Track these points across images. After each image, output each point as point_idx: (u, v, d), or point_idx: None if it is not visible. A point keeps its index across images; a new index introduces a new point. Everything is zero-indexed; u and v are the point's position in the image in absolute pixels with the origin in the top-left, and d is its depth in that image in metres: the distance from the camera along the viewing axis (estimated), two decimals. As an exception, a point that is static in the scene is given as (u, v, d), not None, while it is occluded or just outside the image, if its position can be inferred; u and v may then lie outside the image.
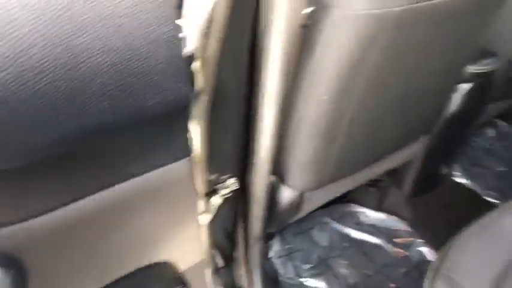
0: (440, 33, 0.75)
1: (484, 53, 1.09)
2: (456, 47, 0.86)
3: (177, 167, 0.49)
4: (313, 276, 1.19)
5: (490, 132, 1.82)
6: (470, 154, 1.66)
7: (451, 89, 1.07)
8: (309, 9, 0.58)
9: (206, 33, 0.54)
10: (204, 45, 0.54)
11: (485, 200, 1.45)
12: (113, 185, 0.48)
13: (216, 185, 0.71)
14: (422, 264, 1.21)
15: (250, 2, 0.53)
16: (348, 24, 0.60)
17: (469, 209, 0.86)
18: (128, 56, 0.32)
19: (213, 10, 0.52)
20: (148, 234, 0.58)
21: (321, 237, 1.30)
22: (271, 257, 1.23)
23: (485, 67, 1.07)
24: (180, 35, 0.51)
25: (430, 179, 1.39)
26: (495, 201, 1.42)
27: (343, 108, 0.75)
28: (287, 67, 0.60)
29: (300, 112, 0.74)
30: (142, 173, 0.47)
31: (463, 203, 1.22)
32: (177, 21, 0.50)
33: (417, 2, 0.62)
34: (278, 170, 0.88)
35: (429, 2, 0.63)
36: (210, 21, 0.53)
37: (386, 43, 0.65)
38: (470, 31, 0.85)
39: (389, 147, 1.06)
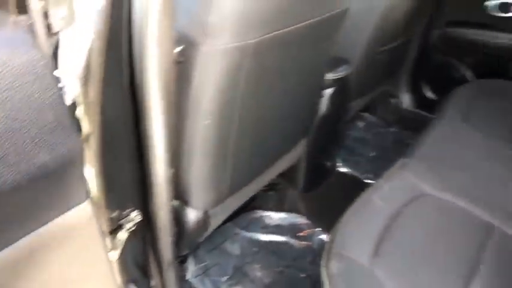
0: (295, 53, 0.89)
1: (338, 61, 1.29)
2: (312, 62, 1.02)
3: (78, 212, 0.50)
4: (231, 286, 1.25)
5: (360, 124, 2.10)
6: (347, 145, 1.90)
7: (316, 96, 1.24)
8: (179, 48, 0.66)
9: (85, 80, 0.57)
10: (84, 91, 0.57)
11: (364, 182, 1.68)
12: (12, 242, 0.48)
13: (119, 220, 0.73)
14: (323, 249, 1.36)
15: (124, 45, 0.58)
16: (216, 57, 0.69)
17: (353, 192, 1.01)
18: (18, 125, 0.34)
19: (89, 56, 0.56)
20: (61, 283, 0.58)
21: (233, 248, 1.37)
22: (188, 279, 1.27)
23: (341, 73, 1.26)
24: (60, 85, 0.54)
25: (317, 174, 1.56)
26: (372, 182, 1.65)
27: (227, 128, 0.84)
28: (167, 99, 0.66)
29: (188, 137, 0.81)
30: (44, 224, 0.48)
31: (348, 188, 1.40)
32: (55, 72, 0.53)
33: (268, 33, 0.73)
34: (179, 194, 0.93)
35: (279, 32, 0.75)
36: (87, 68, 0.57)
37: (251, 68, 0.75)
38: (320, 48, 1.01)
39: (276, 153, 1.18)
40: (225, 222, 1.27)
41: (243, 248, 1.38)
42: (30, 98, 0.33)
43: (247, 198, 1.19)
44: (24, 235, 0.48)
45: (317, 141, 1.39)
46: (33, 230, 0.51)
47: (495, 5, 1.68)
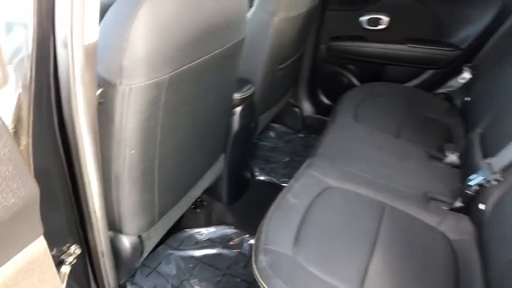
0: (205, 81, 1.01)
1: (243, 83, 1.44)
2: (220, 86, 1.15)
3: (36, 245, 0.54)
4: (173, 304, 1.31)
5: (271, 134, 2.29)
6: (261, 155, 2.07)
7: (228, 115, 1.37)
8: (100, 90, 0.74)
9: (15, 132, 0.63)
10: (17, 141, 0.62)
11: (282, 185, 1.84)
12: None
13: (60, 256, 0.77)
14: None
15: (53, 94, 0.64)
16: (133, 94, 0.78)
17: (273, 196, 1.14)
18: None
19: (17, 108, 0.62)
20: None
21: (169, 269, 1.43)
22: (130, 306, 1.30)
23: (246, 92, 1.41)
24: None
25: (238, 185, 1.69)
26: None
27: (151, 155, 0.92)
28: (95, 136, 0.73)
29: (116, 168, 0.88)
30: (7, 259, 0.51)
31: (268, 194, 1.55)
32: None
33: (180, 67, 0.84)
34: (113, 223, 0.99)
35: (189, 65, 0.87)
36: (16, 120, 0.62)
37: (167, 99, 0.85)
38: (226, 73, 1.14)
39: (198, 171, 1.28)
40: (157, 245, 1.33)
41: (178, 266, 1.44)
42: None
43: (177, 218, 1.26)
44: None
45: (234, 155, 1.52)
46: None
47: (366, 20, 2.00)
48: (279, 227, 1.01)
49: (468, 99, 1.71)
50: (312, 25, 1.96)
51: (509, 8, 1.73)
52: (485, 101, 1.50)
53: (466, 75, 1.85)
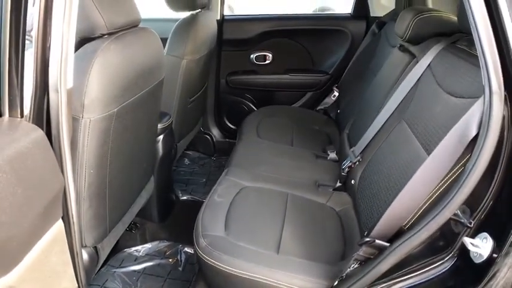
0: (141, 113, 1.28)
1: (162, 114, 1.72)
2: (151, 116, 1.42)
3: None
4: (124, 311, 1.49)
5: (187, 160, 2.56)
6: (182, 179, 2.33)
7: (154, 141, 1.63)
8: (68, 123, 0.97)
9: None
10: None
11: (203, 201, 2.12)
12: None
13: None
14: (188, 258, 1.73)
15: (43, 125, 0.87)
16: (92, 124, 1.03)
17: (198, 210, 1.41)
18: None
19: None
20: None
21: (116, 284, 1.60)
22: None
23: (165, 123, 1.70)
24: None
25: (166, 205, 1.93)
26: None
27: (104, 174, 1.16)
28: (71, 161, 0.96)
29: (79, 186, 1.10)
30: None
31: (193, 210, 1.80)
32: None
33: (125, 102, 1.12)
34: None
35: (131, 99, 1.15)
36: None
37: (116, 128, 1.11)
38: (154, 106, 1.43)
39: (137, 190, 1.52)
40: (101, 266, 1.50)
41: (123, 281, 1.62)
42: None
43: (123, 231, 1.47)
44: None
45: (160, 177, 1.77)
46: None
47: (255, 57, 2.44)
48: (211, 218, 1.30)
49: (339, 111, 2.22)
50: (212, 64, 2.33)
51: (357, 41, 2.32)
52: (349, 111, 2.00)
53: (336, 93, 2.38)
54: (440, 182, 0.91)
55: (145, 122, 1.38)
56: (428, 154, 0.99)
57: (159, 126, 1.67)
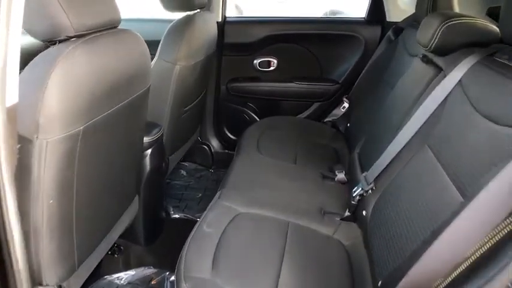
0: (118, 128, 1.10)
1: (151, 126, 1.53)
2: (132, 131, 1.24)
3: None
4: None
5: (183, 172, 2.37)
6: (175, 194, 2.14)
7: (140, 157, 1.45)
8: (18, 146, 0.79)
9: None
10: None
11: (197, 220, 1.93)
12: None
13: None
14: None
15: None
16: (50, 146, 0.84)
17: (190, 231, 1.24)
18: None
19: None
20: None
21: (91, 318, 1.41)
22: None
23: (155, 136, 1.51)
24: None
25: (154, 225, 1.74)
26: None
27: (68, 204, 0.97)
28: (14, 191, 0.77)
29: (35, 220, 0.91)
30: None
31: (184, 230, 1.62)
32: None
33: (94, 118, 0.93)
34: (32, 275, 0.99)
35: (101, 117, 0.96)
36: None
37: (83, 148, 0.93)
38: (136, 119, 1.24)
39: (115, 215, 1.33)
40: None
41: (101, 314, 1.43)
42: None
43: (97, 263, 1.28)
44: None
45: (148, 196, 1.58)
46: None
47: (259, 63, 2.25)
48: (197, 255, 1.11)
49: (349, 125, 2.02)
50: (211, 69, 2.15)
51: (370, 48, 2.11)
52: (360, 127, 1.80)
53: (346, 105, 2.18)
54: (488, 236, 0.71)
55: (125, 138, 1.20)
56: (464, 197, 0.79)
57: (147, 139, 1.48)
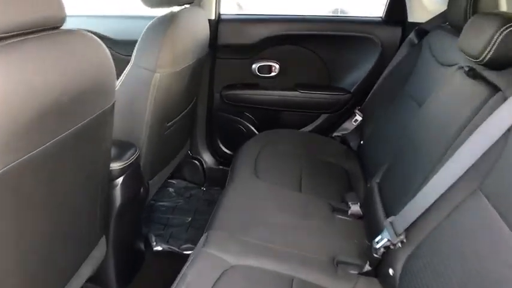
0: (65, 163, 0.81)
1: (124, 148, 1.24)
2: (89, 161, 0.95)
3: None
4: None
5: (171, 191, 2.08)
6: (160, 219, 1.85)
7: (106, 189, 1.15)
8: None
9: None
10: None
11: (183, 254, 1.64)
12: None
13: None
14: None
15: None
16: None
17: (174, 269, 0.97)
18: None
19: None
20: None
21: None
22: None
23: (128, 160, 1.22)
24: None
25: (129, 264, 1.45)
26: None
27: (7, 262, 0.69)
28: None
29: None
30: None
31: (168, 267, 1.34)
32: None
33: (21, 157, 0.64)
34: None
35: (34, 152, 0.67)
36: None
37: (5, 198, 0.64)
38: (94, 145, 0.95)
39: (76, 262, 1.04)
40: None
41: None
42: None
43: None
44: None
45: (119, 233, 1.29)
46: None
47: (258, 68, 1.96)
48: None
49: (362, 142, 1.73)
50: (203, 74, 1.86)
51: (388, 53, 1.82)
52: (377, 147, 1.51)
53: (358, 118, 1.89)
54: None
55: (79, 171, 0.90)
56: None
57: (117, 165, 1.20)
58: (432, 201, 0.91)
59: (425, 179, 0.98)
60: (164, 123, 1.46)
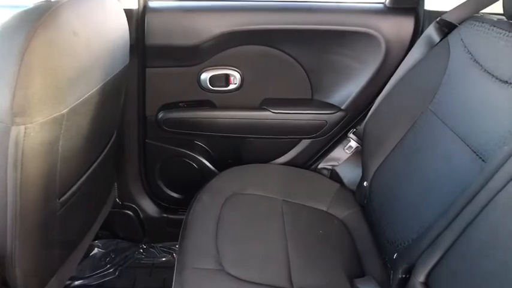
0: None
1: None
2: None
3: None
4: None
5: (97, 254, 1.47)
6: None
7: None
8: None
9: None
10: None
11: None
12: None
13: None
14: None
15: None
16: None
17: None
18: None
19: None
20: None
21: None
22: None
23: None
24: None
25: None
26: None
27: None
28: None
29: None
30: None
31: None
32: None
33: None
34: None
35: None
36: None
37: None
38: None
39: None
40: None
41: None
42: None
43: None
44: None
45: None
46: None
47: (210, 79, 1.37)
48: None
49: (366, 183, 1.21)
50: (128, 93, 1.24)
51: (395, 53, 1.29)
52: (395, 198, 1.00)
53: (352, 144, 1.38)
54: None
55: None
56: None
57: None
58: None
59: None
60: (54, 201, 0.84)
